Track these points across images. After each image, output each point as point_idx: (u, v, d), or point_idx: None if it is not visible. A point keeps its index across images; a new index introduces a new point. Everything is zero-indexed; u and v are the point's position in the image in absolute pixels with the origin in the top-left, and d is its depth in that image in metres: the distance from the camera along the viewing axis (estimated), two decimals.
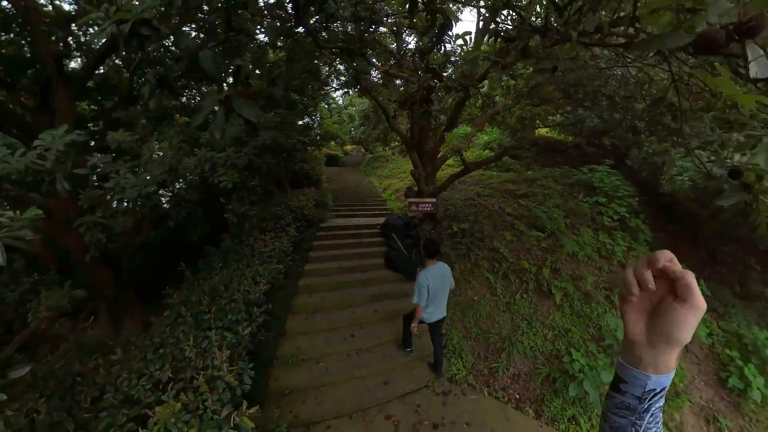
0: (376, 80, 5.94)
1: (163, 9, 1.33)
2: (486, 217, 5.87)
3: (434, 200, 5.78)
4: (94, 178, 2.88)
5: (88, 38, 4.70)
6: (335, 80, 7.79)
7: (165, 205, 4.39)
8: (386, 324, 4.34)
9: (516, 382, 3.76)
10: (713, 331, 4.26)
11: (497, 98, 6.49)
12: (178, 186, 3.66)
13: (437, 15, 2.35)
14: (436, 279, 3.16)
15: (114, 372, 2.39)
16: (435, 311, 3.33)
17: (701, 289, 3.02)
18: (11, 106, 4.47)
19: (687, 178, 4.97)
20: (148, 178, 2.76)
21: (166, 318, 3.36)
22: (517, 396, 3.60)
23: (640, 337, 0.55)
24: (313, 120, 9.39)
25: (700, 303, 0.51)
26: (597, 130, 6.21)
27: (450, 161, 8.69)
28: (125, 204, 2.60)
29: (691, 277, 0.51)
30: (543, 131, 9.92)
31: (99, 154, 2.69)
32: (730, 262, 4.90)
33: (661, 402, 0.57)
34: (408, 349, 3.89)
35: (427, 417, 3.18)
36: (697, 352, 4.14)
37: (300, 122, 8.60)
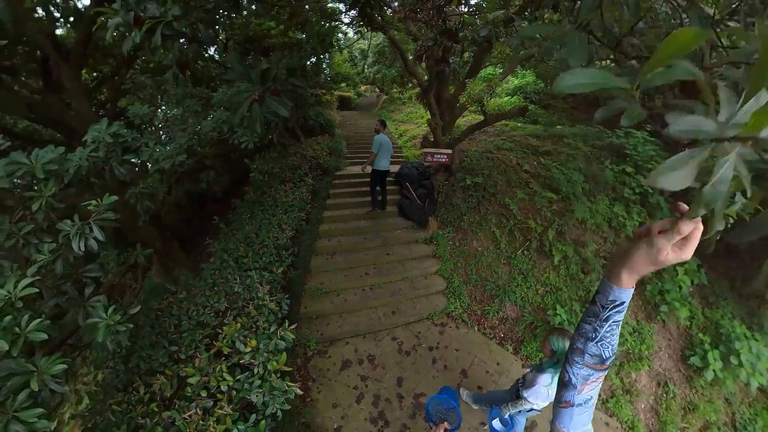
0: (393, 17, 5.44)
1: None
2: (501, 173, 5.78)
3: (450, 151, 5.71)
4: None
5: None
6: (345, 14, 7.07)
7: (188, 161, 4.75)
8: (396, 266, 4.93)
9: (503, 324, 4.35)
10: (695, 316, 4.34)
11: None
12: (200, 149, 3.98)
13: None
14: (385, 140, 5.31)
15: (184, 306, 3.17)
16: (381, 162, 5.40)
17: (699, 278, 3.99)
18: (17, 88, 4.49)
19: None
20: (177, 146, 3.10)
21: (213, 264, 4.08)
22: (502, 335, 4.23)
23: (627, 261, 0.69)
24: (322, 60, 8.82)
25: (688, 255, 0.64)
26: (648, 88, 5.38)
27: (472, 108, 7.96)
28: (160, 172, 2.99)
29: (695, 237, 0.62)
30: None
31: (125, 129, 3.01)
32: (744, 258, 4.69)
33: (619, 317, 0.73)
34: (375, 209, 5.87)
35: (425, 341, 3.94)
36: (672, 331, 4.34)
37: (308, 62, 8.14)
